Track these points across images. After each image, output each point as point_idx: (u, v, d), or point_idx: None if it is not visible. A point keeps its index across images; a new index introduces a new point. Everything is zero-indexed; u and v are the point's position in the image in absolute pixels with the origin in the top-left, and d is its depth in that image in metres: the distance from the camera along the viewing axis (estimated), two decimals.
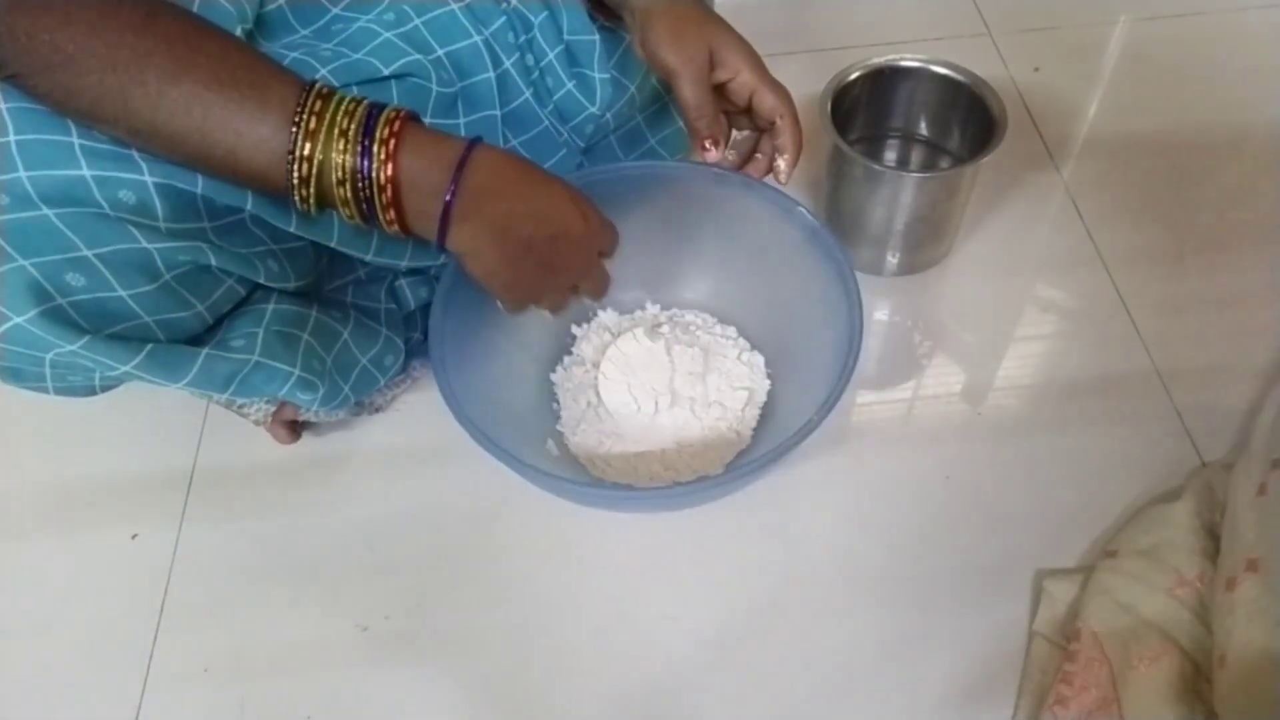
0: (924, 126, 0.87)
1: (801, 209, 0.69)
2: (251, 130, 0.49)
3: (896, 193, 0.77)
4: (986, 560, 0.68)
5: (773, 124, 0.67)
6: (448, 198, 0.52)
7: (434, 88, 0.68)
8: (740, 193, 0.71)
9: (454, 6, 0.70)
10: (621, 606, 0.68)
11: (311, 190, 0.51)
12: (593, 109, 0.78)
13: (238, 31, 0.59)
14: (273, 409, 0.72)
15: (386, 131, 0.50)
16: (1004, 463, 0.74)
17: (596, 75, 0.76)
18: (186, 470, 0.76)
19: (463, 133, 0.72)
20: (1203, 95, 0.97)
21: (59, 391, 0.62)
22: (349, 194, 0.51)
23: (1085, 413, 0.76)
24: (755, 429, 0.73)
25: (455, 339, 0.66)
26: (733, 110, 0.69)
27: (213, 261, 0.59)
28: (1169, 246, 0.86)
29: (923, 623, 0.66)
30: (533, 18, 0.74)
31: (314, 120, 0.49)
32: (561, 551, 0.71)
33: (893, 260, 0.83)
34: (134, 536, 0.73)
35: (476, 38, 0.71)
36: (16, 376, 0.59)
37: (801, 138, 0.67)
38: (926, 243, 0.83)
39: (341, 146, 0.50)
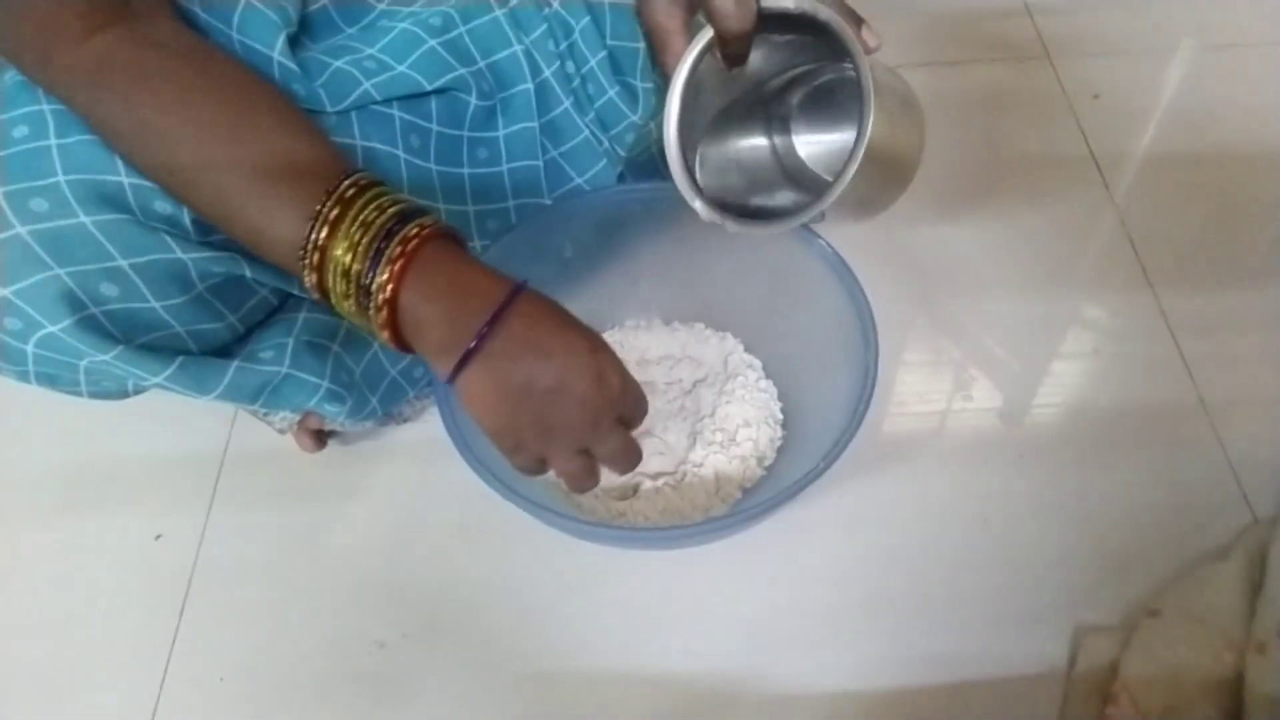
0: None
1: (821, 240, 0.66)
2: (282, 213, 0.48)
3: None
4: (1022, 609, 0.66)
5: None
6: (475, 341, 0.47)
7: (473, 101, 0.67)
8: None
9: (498, 13, 0.69)
10: (644, 638, 0.67)
11: (318, 280, 0.48)
12: (634, 118, 0.76)
13: (281, 39, 0.58)
14: (298, 417, 0.71)
15: (398, 251, 0.47)
16: (1044, 506, 0.71)
17: (640, 84, 0.75)
18: (212, 475, 0.76)
19: (501, 146, 0.71)
20: (1263, 126, 0.94)
21: (93, 395, 0.61)
22: (350, 289, 0.48)
23: (1131, 459, 0.73)
24: (771, 463, 0.71)
25: None
26: None
27: (247, 273, 0.58)
28: (1223, 276, 0.83)
29: (952, 671, 0.64)
30: (574, 23, 0.72)
31: (336, 210, 0.47)
32: (587, 579, 0.69)
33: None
34: (158, 538, 0.73)
35: (517, 47, 0.69)
36: (51, 381, 0.58)
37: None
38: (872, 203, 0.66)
39: (357, 239, 0.47)
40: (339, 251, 0.47)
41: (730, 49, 0.51)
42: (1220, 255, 0.85)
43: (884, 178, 0.58)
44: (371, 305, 0.47)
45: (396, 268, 0.46)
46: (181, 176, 0.49)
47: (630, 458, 0.54)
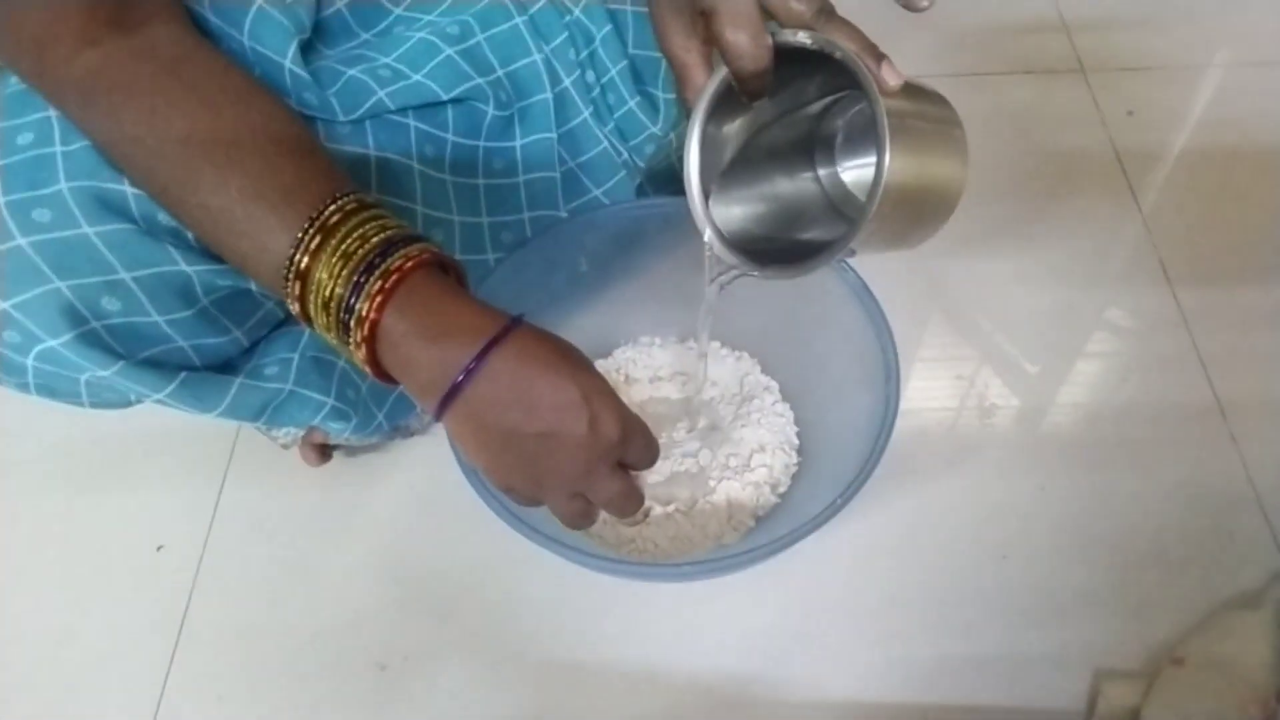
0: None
1: (845, 263, 0.64)
2: (264, 239, 0.46)
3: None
4: (1040, 647, 0.64)
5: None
6: (459, 378, 0.45)
7: (490, 110, 0.65)
8: None
9: (518, 20, 0.67)
10: (651, 663, 0.65)
11: (301, 308, 0.46)
12: (654, 129, 0.74)
13: (293, 46, 0.56)
14: (301, 432, 0.69)
15: (378, 285, 0.44)
16: (1065, 542, 0.69)
17: (662, 95, 0.73)
18: (215, 486, 0.75)
19: (518, 157, 0.69)
20: None
21: (94, 406, 0.60)
22: (331, 322, 0.45)
23: (1158, 498, 0.71)
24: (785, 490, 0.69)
25: None
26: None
27: (253, 286, 0.57)
28: (1258, 303, 0.81)
29: (966, 711, 0.62)
30: (595, 30, 0.70)
31: (318, 239, 0.45)
32: (593, 603, 0.68)
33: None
34: (159, 548, 0.72)
35: (537, 56, 0.67)
36: (51, 393, 0.57)
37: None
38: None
39: (338, 270, 0.44)
40: (320, 282, 0.45)
41: (748, 86, 0.48)
42: (1253, 279, 0.83)
43: (915, 215, 0.54)
44: (351, 341, 0.45)
45: (376, 303, 0.44)
46: (171, 194, 0.48)
47: (629, 504, 0.52)
